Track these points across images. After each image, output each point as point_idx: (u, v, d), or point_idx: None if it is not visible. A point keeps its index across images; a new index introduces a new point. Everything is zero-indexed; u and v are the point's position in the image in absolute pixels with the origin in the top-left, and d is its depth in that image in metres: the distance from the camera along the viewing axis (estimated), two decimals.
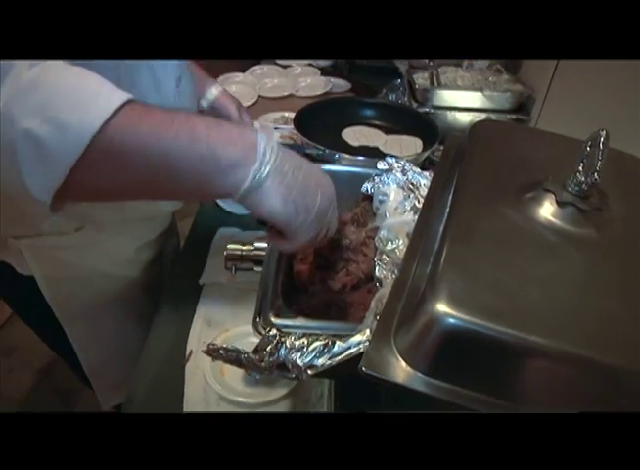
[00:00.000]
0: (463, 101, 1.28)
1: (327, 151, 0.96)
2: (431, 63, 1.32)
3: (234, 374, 0.69)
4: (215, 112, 0.92)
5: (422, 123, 1.17)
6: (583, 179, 0.54)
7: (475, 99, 1.27)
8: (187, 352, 0.72)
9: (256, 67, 1.74)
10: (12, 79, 0.43)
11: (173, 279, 0.89)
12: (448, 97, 1.28)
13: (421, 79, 1.33)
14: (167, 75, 0.74)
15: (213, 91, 0.92)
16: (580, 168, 0.55)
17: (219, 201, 1.00)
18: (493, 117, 1.28)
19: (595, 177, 0.54)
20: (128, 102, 0.46)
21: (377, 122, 1.22)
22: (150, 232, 0.91)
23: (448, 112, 1.28)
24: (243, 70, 1.72)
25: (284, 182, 0.51)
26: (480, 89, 1.27)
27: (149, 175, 0.49)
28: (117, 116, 0.45)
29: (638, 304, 0.49)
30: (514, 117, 1.28)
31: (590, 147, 0.55)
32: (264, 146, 0.50)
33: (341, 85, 1.67)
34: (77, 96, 0.45)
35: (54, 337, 0.92)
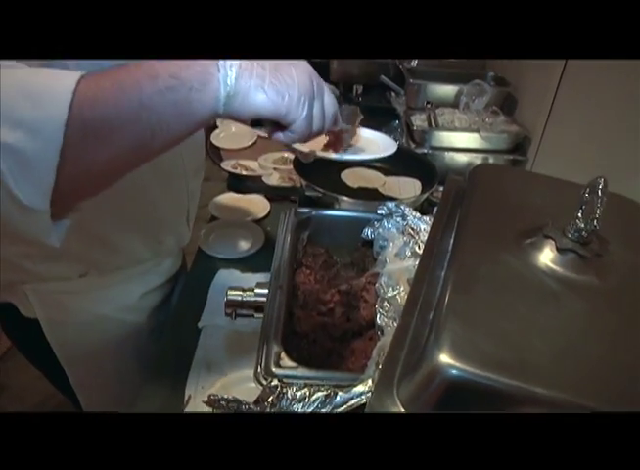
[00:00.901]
0: (460, 142, 1.30)
1: (326, 193, 0.97)
2: (428, 105, 1.34)
3: None
4: None
5: (420, 165, 1.18)
6: (583, 226, 0.55)
7: (472, 140, 1.29)
8: (185, 398, 0.71)
9: None
10: None
11: (172, 321, 0.88)
12: (446, 138, 1.30)
13: (418, 121, 1.35)
14: None
15: None
16: (580, 215, 0.55)
17: (210, 252, 1.02)
18: (490, 157, 1.30)
19: (595, 224, 0.54)
20: (81, 78, 0.45)
21: (375, 164, 1.23)
22: (156, 278, 0.91)
23: (446, 152, 1.30)
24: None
25: (254, 74, 0.51)
26: (477, 130, 1.29)
27: (133, 131, 0.47)
28: (77, 93, 0.43)
29: (637, 352, 0.48)
30: (511, 157, 1.30)
31: (589, 194, 0.55)
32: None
33: (343, 126, 1.68)
34: (32, 91, 0.43)
35: (57, 377, 0.91)
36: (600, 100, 1.07)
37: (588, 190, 0.55)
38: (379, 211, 0.74)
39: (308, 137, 0.58)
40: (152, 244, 0.86)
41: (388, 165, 1.22)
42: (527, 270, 0.55)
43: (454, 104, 1.44)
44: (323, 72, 1.59)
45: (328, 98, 0.58)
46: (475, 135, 1.29)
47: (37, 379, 1.83)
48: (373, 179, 1.18)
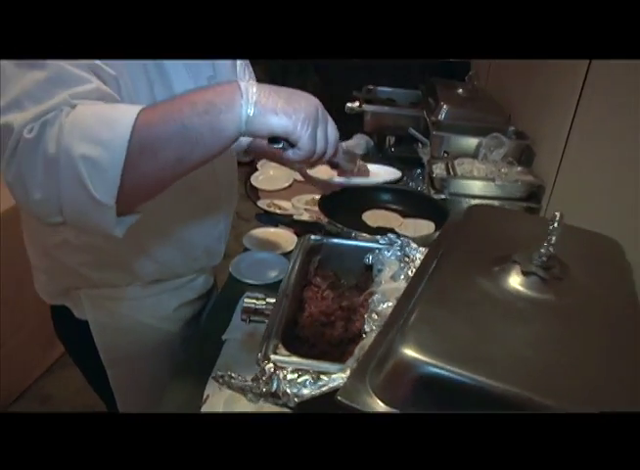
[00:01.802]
0: (477, 189, 1.40)
1: (345, 229, 1.08)
2: (445, 154, 1.45)
3: None
4: None
5: (436, 209, 1.29)
6: (543, 251, 0.64)
7: (488, 188, 1.39)
8: (204, 397, 0.82)
9: None
10: (56, 127, 0.59)
11: (201, 332, 1.00)
12: (463, 185, 1.41)
13: (439, 169, 1.46)
14: (199, 76, 0.90)
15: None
16: (545, 244, 0.65)
17: (240, 277, 1.15)
18: (505, 204, 1.39)
19: (550, 250, 0.63)
20: (141, 109, 0.61)
21: (395, 207, 1.34)
22: (190, 293, 1.05)
23: (464, 199, 1.40)
24: None
25: (269, 100, 0.66)
26: (493, 179, 1.38)
27: (176, 146, 0.63)
28: (137, 120, 0.60)
29: (581, 356, 0.57)
30: (525, 205, 1.39)
31: (550, 226, 0.65)
32: (244, 85, 0.66)
33: None
34: (107, 120, 0.60)
35: (98, 379, 1.04)
36: (608, 152, 1.16)
37: (552, 222, 0.65)
38: (381, 241, 0.85)
39: (313, 155, 0.71)
40: (188, 261, 1.00)
41: (407, 208, 1.33)
42: (495, 289, 0.65)
43: (474, 155, 1.55)
44: (357, 123, 1.76)
45: (331, 127, 0.73)
46: (490, 183, 1.38)
47: (77, 393, 1.98)
48: (391, 220, 1.29)
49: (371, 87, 2.19)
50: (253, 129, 0.66)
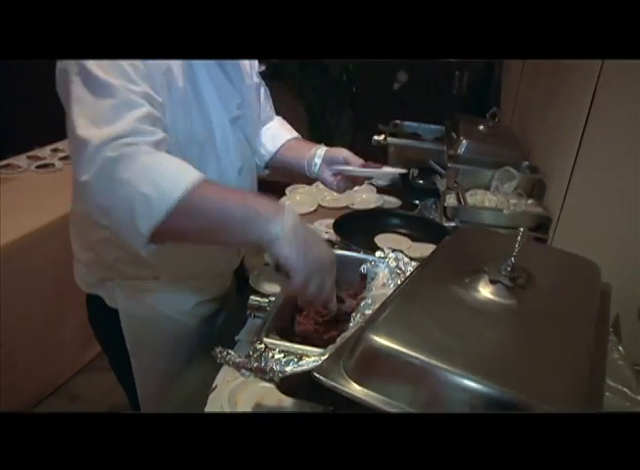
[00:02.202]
0: (486, 218, 1.49)
1: (353, 246, 1.18)
2: (455, 184, 1.54)
3: (246, 405, 0.88)
4: (330, 160, 1.24)
5: (444, 234, 1.36)
6: (509, 263, 0.73)
7: (496, 217, 1.47)
8: (212, 386, 0.92)
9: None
10: (133, 161, 0.74)
11: (217, 331, 1.12)
12: (474, 214, 1.49)
13: (451, 199, 1.56)
14: (231, 166, 1.05)
15: (322, 147, 1.27)
16: (512, 257, 0.74)
17: (257, 288, 1.26)
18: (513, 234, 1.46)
19: (512, 261, 0.72)
20: (204, 180, 0.77)
21: (406, 231, 1.44)
22: (207, 292, 1.18)
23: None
24: (309, 183, 2.02)
25: (297, 237, 0.78)
26: (501, 209, 1.47)
27: (210, 225, 0.78)
28: (195, 187, 0.75)
29: (529, 353, 0.65)
30: (533, 235, 1.46)
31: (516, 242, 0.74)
32: (287, 212, 0.79)
33: (391, 202, 1.91)
34: (173, 174, 0.75)
35: (121, 365, 1.17)
36: (610, 187, 1.23)
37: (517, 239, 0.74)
38: (377, 254, 0.95)
39: (302, 295, 0.81)
40: (209, 265, 1.13)
41: (417, 233, 1.43)
42: (464, 294, 0.74)
43: (487, 187, 1.63)
44: (383, 155, 1.93)
45: (329, 285, 0.83)
46: (499, 213, 1.47)
47: (106, 394, 2.12)
48: (401, 243, 1.38)
49: (397, 122, 2.31)
50: (271, 250, 0.78)
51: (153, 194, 0.73)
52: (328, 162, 1.24)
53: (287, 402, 0.86)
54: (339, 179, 1.24)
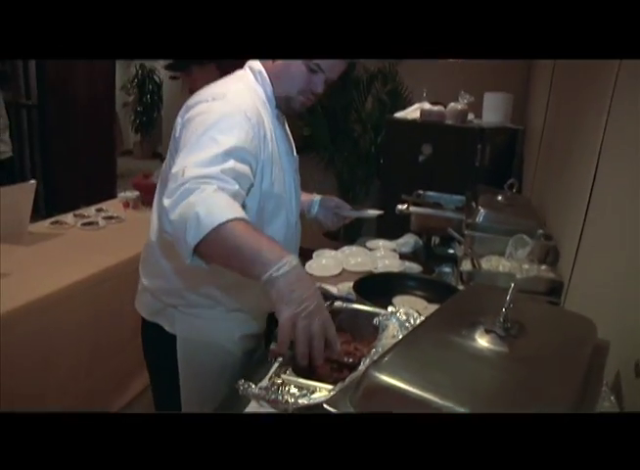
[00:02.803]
0: (501, 283, 1.56)
1: (366, 303, 1.28)
2: (470, 250, 1.64)
3: None
4: (326, 204, 1.57)
5: None
6: (503, 314, 0.82)
7: (510, 281, 1.54)
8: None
9: (346, 247, 2.15)
10: (202, 192, 0.92)
11: (254, 365, 1.23)
12: (487, 279, 1.58)
13: (468, 265, 1.65)
14: (293, 218, 1.29)
15: (317, 196, 1.59)
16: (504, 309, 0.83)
17: None
18: (528, 298, 1.54)
19: (504, 312, 0.81)
20: (242, 218, 0.92)
21: (422, 293, 1.52)
22: (252, 327, 1.35)
23: None
24: (336, 248, 2.14)
25: (286, 281, 0.88)
26: (514, 275, 1.55)
27: (228, 255, 0.93)
28: (233, 220, 0.90)
29: (515, 390, 0.72)
30: (546, 299, 1.53)
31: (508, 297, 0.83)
32: (288, 258, 0.90)
33: (413, 267, 2.01)
34: (222, 206, 0.92)
35: (166, 391, 1.34)
36: (617, 253, 1.30)
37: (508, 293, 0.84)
38: (389, 308, 1.04)
39: (289, 343, 0.87)
40: (256, 301, 1.24)
41: (433, 295, 1.51)
42: (462, 341, 0.82)
43: (503, 253, 1.72)
44: (407, 224, 2.10)
45: (316, 327, 0.88)
46: (511, 278, 1.54)
47: None
48: (417, 304, 1.47)
49: (421, 192, 2.43)
50: (268, 287, 0.89)
51: (202, 215, 0.89)
52: (324, 206, 1.57)
53: None
54: (333, 219, 1.57)
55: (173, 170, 0.98)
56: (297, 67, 1.17)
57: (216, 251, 0.93)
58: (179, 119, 1.14)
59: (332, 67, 1.18)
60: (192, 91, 1.21)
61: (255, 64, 1.25)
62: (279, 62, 1.20)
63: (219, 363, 1.30)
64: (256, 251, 0.90)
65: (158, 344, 1.33)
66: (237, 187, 0.98)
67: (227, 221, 0.89)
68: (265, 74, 1.23)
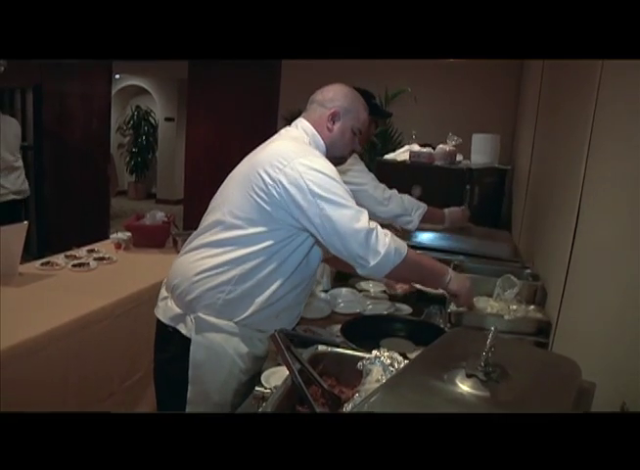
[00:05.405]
0: (489, 324, 1.56)
1: (350, 346, 1.27)
2: None
3: None
4: None
5: None
6: (483, 358, 0.82)
7: (498, 322, 1.54)
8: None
9: (335, 289, 2.15)
10: (378, 231, 1.29)
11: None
12: (476, 320, 1.57)
13: (455, 306, 1.65)
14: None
15: None
16: (483, 355, 0.83)
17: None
18: (516, 339, 1.53)
19: (485, 356, 0.81)
20: (409, 249, 1.32)
21: (410, 335, 1.52)
22: (259, 349, 1.44)
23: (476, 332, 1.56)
24: (326, 291, 2.13)
25: (457, 280, 1.43)
26: (503, 316, 1.55)
27: (412, 271, 1.38)
28: (411, 253, 1.31)
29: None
30: (534, 339, 1.53)
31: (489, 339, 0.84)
32: (450, 269, 1.38)
33: (403, 309, 2.00)
34: (402, 245, 1.34)
35: (175, 393, 1.40)
36: (604, 293, 1.31)
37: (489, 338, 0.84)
38: (373, 352, 1.04)
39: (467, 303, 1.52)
40: (272, 324, 1.30)
41: (420, 337, 1.50)
42: (443, 386, 0.82)
43: (491, 294, 1.72)
44: None
45: (471, 295, 1.51)
46: (500, 319, 1.55)
47: None
48: (404, 347, 1.46)
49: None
50: (446, 287, 1.44)
51: (382, 240, 1.27)
52: None
53: None
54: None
55: (344, 230, 1.26)
56: (349, 133, 1.47)
57: (401, 270, 1.31)
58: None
59: (366, 129, 1.57)
60: None
61: (308, 127, 1.46)
62: (336, 131, 1.45)
63: (225, 373, 1.38)
64: (434, 268, 1.43)
65: (172, 346, 1.42)
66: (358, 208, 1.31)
67: (408, 254, 1.30)
68: (319, 138, 1.46)
